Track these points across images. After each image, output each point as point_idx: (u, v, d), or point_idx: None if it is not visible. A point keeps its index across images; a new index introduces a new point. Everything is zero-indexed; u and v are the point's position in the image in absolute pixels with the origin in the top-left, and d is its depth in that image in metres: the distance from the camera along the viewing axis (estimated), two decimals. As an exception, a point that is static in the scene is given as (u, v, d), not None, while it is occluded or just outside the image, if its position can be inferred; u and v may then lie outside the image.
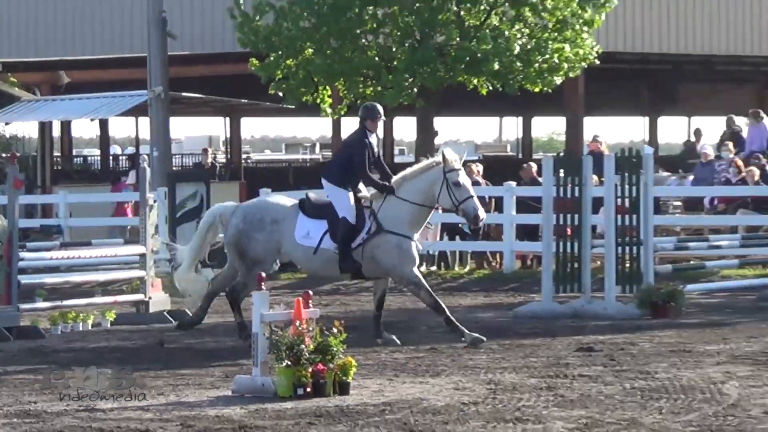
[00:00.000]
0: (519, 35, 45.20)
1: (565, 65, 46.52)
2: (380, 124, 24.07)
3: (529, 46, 45.01)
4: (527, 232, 41.05)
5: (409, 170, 23.25)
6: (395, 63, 46.47)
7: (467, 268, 43.82)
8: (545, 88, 47.38)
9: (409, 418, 17.00)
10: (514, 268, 41.78)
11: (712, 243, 36.96)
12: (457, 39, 45.66)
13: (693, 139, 59.67)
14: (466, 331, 22.55)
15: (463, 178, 22.17)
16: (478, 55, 44.48)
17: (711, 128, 72.96)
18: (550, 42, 45.49)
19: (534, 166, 44.65)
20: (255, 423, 17.02)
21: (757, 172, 41.51)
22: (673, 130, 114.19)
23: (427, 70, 45.48)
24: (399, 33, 47.09)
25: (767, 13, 67.22)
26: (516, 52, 44.60)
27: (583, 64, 48.04)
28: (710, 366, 21.90)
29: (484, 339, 22.66)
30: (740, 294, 34.08)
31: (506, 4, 46.64)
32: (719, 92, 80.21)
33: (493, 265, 43.66)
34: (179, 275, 25.06)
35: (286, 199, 24.47)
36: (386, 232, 22.31)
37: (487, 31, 45.31)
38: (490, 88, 47.12)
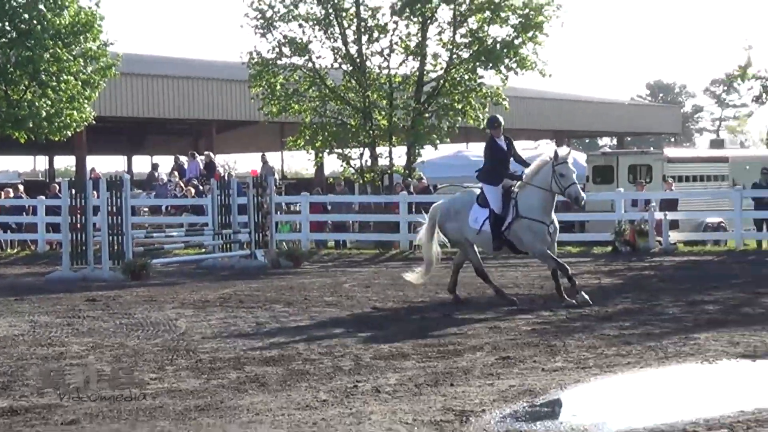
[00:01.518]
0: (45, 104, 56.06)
1: (74, 124, 57.99)
2: (497, 131, 27.70)
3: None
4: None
5: (532, 166, 26.77)
6: None
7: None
8: (62, 138, 59.22)
9: None
10: (46, 248, 49.35)
11: (168, 233, 46.58)
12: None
13: (155, 170, 66.69)
14: (581, 292, 26.36)
15: (567, 170, 25.89)
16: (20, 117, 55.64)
17: (167, 162, 75.28)
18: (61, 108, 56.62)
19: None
20: None
21: (192, 190, 53.78)
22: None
23: None
24: None
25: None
26: (44, 115, 55.74)
27: (85, 123, 59.40)
28: (168, 310, 28.18)
29: (591, 303, 26.21)
30: (185, 265, 42.70)
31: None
32: (172, 140, 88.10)
33: (32, 247, 50.61)
34: (424, 250, 29.65)
35: (471, 193, 28.79)
36: (522, 218, 26.14)
37: (25, 102, 56.45)
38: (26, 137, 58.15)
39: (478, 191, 27.85)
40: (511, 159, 27.35)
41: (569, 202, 28.11)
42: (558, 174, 24.90)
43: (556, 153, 26.28)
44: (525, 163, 27.32)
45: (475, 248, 27.79)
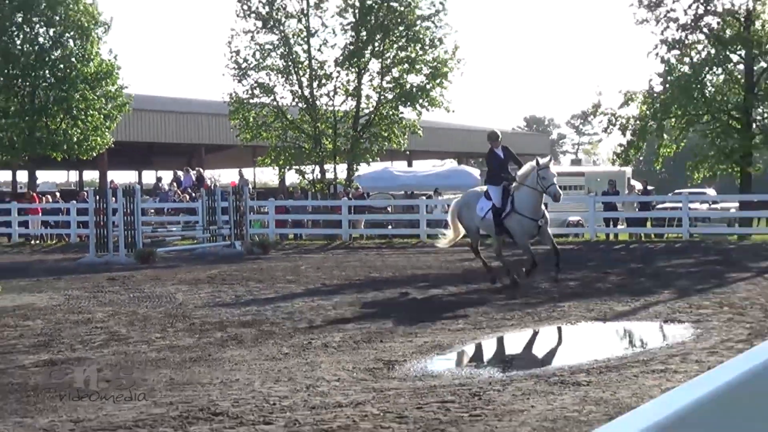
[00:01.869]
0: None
1: (98, 147, 58.42)
2: (495, 143, 26.27)
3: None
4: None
5: (522, 170, 25.63)
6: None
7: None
8: (89, 157, 59.15)
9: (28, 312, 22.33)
10: (76, 240, 48.47)
11: (169, 229, 46.26)
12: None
13: (159, 182, 64.15)
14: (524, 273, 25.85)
15: (547, 174, 24.77)
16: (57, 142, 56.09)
17: (168, 176, 72.32)
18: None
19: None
20: None
21: (187, 197, 52.69)
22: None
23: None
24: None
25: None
26: (75, 141, 55.73)
27: (106, 147, 59.98)
28: (169, 286, 27.86)
29: (557, 280, 25.84)
30: (182, 253, 41.47)
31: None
32: (171, 159, 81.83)
33: (66, 239, 50.04)
34: (451, 228, 28.03)
35: (479, 191, 27.63)
36: (516, 213, 25.15)
37: (61, 131, 57.18)
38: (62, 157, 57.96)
39: (484, 188, 27.35)
40: (510, 162, 26.59)
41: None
42: (541, 177, 24.47)
43: (538, 161, 25.69)
44: (520, 165, 26.64)
45: (479, 233, 27.70)
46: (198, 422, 11.27)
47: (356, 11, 55.71)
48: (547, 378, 13.49)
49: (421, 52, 56.14)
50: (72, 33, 59.55)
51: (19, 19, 58.78)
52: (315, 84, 56.35)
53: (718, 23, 44.83)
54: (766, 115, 45.88)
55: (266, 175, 73.29)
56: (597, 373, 13.75)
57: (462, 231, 28.25)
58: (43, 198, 59.10)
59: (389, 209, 51.17)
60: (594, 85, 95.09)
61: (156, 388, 13.40)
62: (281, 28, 56.02)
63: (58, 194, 65.40)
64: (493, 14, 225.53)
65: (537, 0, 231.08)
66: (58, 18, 59.14)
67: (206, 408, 11.95)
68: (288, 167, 59.28)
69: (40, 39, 59.54)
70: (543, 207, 26.14)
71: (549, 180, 24.58)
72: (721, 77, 45.82)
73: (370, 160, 59.17)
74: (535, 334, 18.75)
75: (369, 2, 55.43)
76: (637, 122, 46.00)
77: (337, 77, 56.70)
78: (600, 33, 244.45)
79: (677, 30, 45.12)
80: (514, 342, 17.94)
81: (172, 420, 11.39)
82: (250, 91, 56.77)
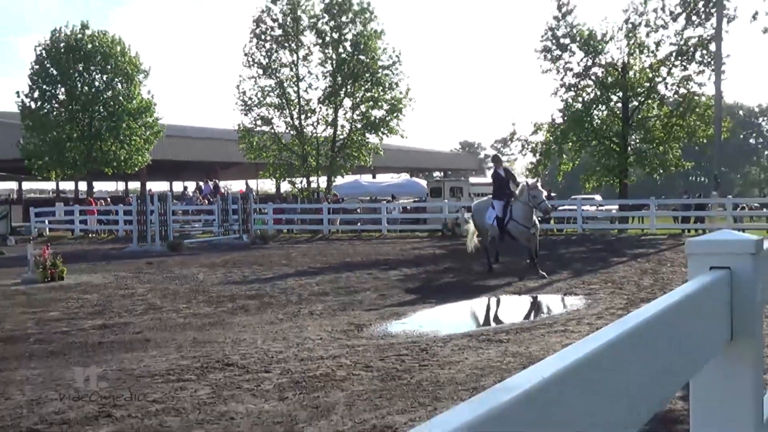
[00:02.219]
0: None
1: (139, 164, 57.65)
2: (496, 164, 25.87)
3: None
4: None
5: (518, 189, 24.07)
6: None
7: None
8: (133, 172, 59.14)
9: (88, 288, 23.93)
10: (123, 234, 47.12)
11: (192, 225, 46.23)
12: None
13: (185, 190, 66.56)
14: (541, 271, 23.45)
15: (537, 193, 23.61)
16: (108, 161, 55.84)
17: (192, 185, 73.70)
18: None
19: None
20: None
21: (206, 201, 51.05)
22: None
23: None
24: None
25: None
26: (122, 159, 55.15)
27: (145, 164, 59.85)
28: (193, 268, 27.57)
29: (546, 276, 23.16)
30: (202, 243, 40.16)
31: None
32: (195, 173, 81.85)
33: (115, 233, 49.36)
34: (468, 237, 26.61)
35: (489, 200, 25.73)
36: (513, 221, 23.91)
37: (111, 152, 57.36)
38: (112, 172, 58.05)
39: (489, 200, 26.09)
40: (510, 181, 25.06)
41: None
42: (532, 195, 23.40)
43: (527, 183, 24.90)
44: (516, 184, 25.07)
45: (489, 234, 25.69)
46: (214, 371, 11.26)
47: (333, 62, 55.53)
48: (477, 337, 13.55)
49: (382, 93, 56.04)
50: (120, 78, 59.69)
51: (81, 68, 58.79)
52: (302, 117, 56.13)
53: (602, 72, 45.31)
54: (637, 140, 46.28)
55: (266, 185, 72.95)
56: (514, 333, 13.83)
57: (475, 234, 26.62)
58: (98, 202, 59.02)
59: (358, 210, 50.99)
60: (511, 118, 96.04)
61: (183, 345, 13.41)
62: (277, 74, 55.90)
63: (109, 199, 65.24)
64: (438, 60, 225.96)
65: (472, 52, 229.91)
66: (109, 67, 59.37)
67: (221, 360, 11.97)
68: (282, 179, 59.27)
69: (96, 83, 59.48)
70: (535, 218, 24.75)
71: (539, 198, 23.63)
72: (605, 112, 46.16)
73: (344, 173, 59.37)
74: (469, 304, 18.75)
75: (343, 55, 55.31)
76: (543, 146, 46.24)
77: (319, 111, 56.54)
78: (517, 76, 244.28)
79: (572, 77, 45.54)
80: (453, 310, 17.78)
81: (195, 369, 11.39)
82: (253, 122, 56.42)
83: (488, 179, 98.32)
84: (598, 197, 55.22)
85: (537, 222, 25.09)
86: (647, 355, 1.90)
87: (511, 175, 25.84)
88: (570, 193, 68.69)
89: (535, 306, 18.37)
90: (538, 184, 24.75)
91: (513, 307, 18.00)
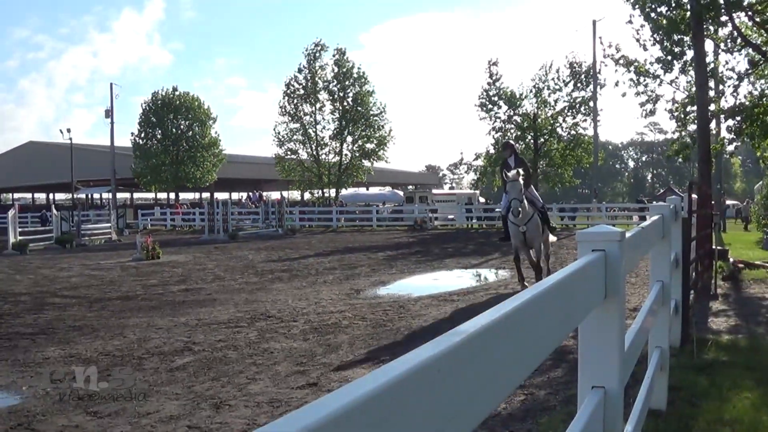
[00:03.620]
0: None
1: (210, 181, 56.51)
2: (506, 152, 15.32)
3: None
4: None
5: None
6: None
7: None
8: (205, 185, 57.84)
9: (182, 267, 24.67)
10: (199, 228, 45.94)
11: (245, 222, 45.45)
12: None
13: (240, 198, 66.17)
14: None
15: (510, 187, 13.72)
16: (189, 178, 55.16)
17: (245, 194, 72.61)
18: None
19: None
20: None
21: (254, 205, 49.93)
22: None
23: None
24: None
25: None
26: (198, 176, 54.19)
27: (213, 181, 59.11)
28: (246, 251, 27.94)
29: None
30: (251, 235, 39.31)
31: None
32: (247, 186, 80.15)
33: (193, 227, 48.38)
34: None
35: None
36: (506, 217, 14.18)
37: (190, 172, 56.68)
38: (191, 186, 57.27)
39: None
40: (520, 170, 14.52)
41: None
42: (507, 191, 13.83)
43: (505, 174, 14.08)
44: (527, 172, 14.99)
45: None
46: (259, 321, 11.25)
47: (340, 111, 55.07)
48: (437, 297, 13.44)
49: (373, 132, 55.52)
50: (197, 123, 59.59)
51: (171, 117, 58.94)
52: (319, 148, 55.57)
53: (520, 119, 45.42)
54: (544, 165, 46.29)
55: (294, 195, 72.77)
56: (463, 295, 13.74)
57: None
58: (182, 206, 58.98)
59: (357, 212, 50.83)
60: (459, 148, 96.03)
61: (238, 303, 13.33)
62: (301, 120, 55.60)
63: (189, 204, 65.22)
64: (412, 106, 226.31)
65: (435, 102, 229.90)
66: (190, 116, 59.32)
67: (264, 313, 11.95)
68: (305, 190, 58.92)
69: (181, 126, 59.57)
70: (532, 213, 14.13)
71: (511, 194, 13.94)
72: (523, 146, 46.11)
73: (347, 187, 58.98)
74: (432, 275, 18.42)
75: (346, 107, 54.94)
76: (482, 168, 46.27)
77: (330, 145, 55.85)
78: (464, 119, 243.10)
79: (500, 122, 45.68)
80: (421, 280, 17.48)
81: (246, 320, 11.37)
82: (285, 153, 55.73)
83: (445, 191, 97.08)
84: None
85: (538, 218, 14.35)
86: (550, 309, 1.94)
87: (521, 163, 14.99)
88: (500, 200, 68.72)
89: (477, 276, 18.13)
90: (519, 177, 13.86)
91: (461, 277, 17.76)
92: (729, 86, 20.29)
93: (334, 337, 9.81)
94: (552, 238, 15.70)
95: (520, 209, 13.64)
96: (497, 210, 44.31)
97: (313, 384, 7.31)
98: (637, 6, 19.33)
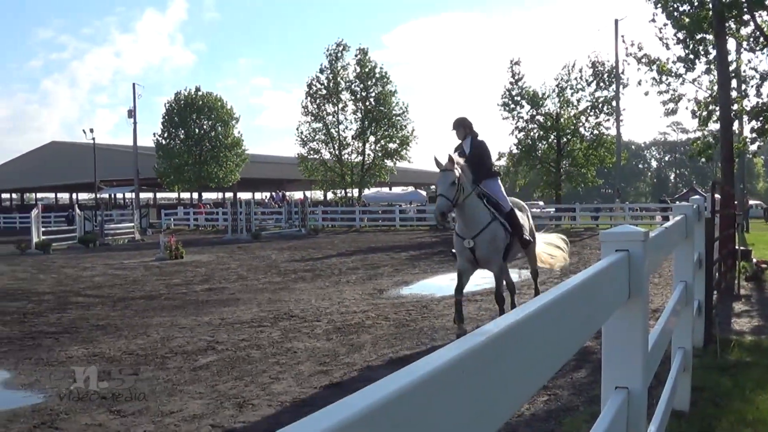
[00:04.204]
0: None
1: (232, 181, 56.66)
2: (458, 133, 10.20)
3: None
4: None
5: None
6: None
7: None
8: (228, 185, 56.79)
9: (207, 266, 24.92)
10: (222, 227, 46.02)
11: (268, 222, 45.00)
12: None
13: (264, 198, 66.25)
14: None
15: (438, 178, 9.25)
16: (212, 178, 54.28)
17: (268, 194, 73.60)
18: None
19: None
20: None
21: (277, 205, 48.81)
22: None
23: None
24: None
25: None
26: (221, 176, 53.98)
27: (236, 181, 58.85)
28: (269, 251, 28.34)
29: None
30: (274, 235, 41.47)
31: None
32: (270, 186, 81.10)
33: (216, 227, 48.41)
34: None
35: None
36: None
37: (213, 173, 55.51)
38: (214, 186, 57.06)
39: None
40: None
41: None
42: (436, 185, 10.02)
43: (437, 160, 9.26)
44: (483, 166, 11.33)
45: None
46: (282, 320, 11.26)
47: (362, 111, 55.30)
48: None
49: (395, 132, 55.71)
50: (219, 123, 59.83)
51: (194, 117, 59.15)
52: (341, 148, 55.87)
53: (543, 119, 45.39)
54: (567, 165, 46.18)
55: (317, 194, 72.98)
56: (486, 295, 13.62)
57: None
58: (205, 206, 59.27)
59: (380, 211, 50.82)
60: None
61: (261, 302, 13.36)
62: (324, 120, 55.82)
63: (212, 204, 65.54)
64: (433, 107, 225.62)
65: (458, 101, 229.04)
66: (213, 116, 59.58)
67: (287, 313, 11.96)
68: (328, 190, 59.19)
69: (204, 126, 59.91)
70: (488, 221, 9.67)
71: (438, 189, 9.29)
72: (545, 146, 46.02)
73: (370, 186, 59.10)
74: (454, 275, 18.19)
75: (369, 107, 55.11)
76: (505, 168, 46.20)
77: (352, 145, 56.16)
78: (487, 119, 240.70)
79: (522, 122, 45.65)
80: (444, 279, 17.24)
81: (269, 319, 11.39)
82: (308, 152, 55.98)
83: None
84: (541, 202, 55.08)
85: (499, 228, 9.85)
86: (574, 310, 1.93)
87: (479, 148, 10.27)
88: (523, 200, 68.36)
89: (498, 276, 18.03)
90: (453, 166, 9.23)
91: (485, 278, 17.47)
92: (752, 86, 20.07)
93: (357, 337, 9.78)
94: (545, 248, 12.65)
95: (439, 217, 9.19)
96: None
97: (337, 384, 7.29)
98: (659, 5, 19.21)
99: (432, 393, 1.07)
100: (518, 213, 10.62)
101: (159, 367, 8.24)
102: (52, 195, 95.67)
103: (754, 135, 19.60)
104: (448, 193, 9.13)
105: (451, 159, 9.38)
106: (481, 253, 9.77)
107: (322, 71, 55.84)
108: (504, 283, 10.47)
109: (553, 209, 46.35)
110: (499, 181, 10.57)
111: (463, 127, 10.45)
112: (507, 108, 45.76)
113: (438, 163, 9.41)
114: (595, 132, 45.29)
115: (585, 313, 2.06)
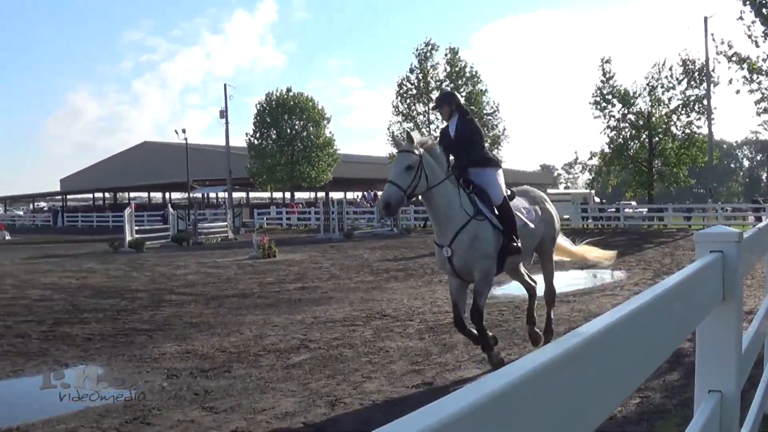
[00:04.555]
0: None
1: (324, 180, 57.56)
2: (442, 112, 8.11)
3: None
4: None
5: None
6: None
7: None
8: (320, 185, 58.96)
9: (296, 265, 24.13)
10: (314, 227, 46.63)
11: (360, 221, 45.79)
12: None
13: (355, 197, 66.07)
14: None
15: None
16: (304, 177, 56.91)
17: (359, 194, 73.26)
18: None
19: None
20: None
21: (368, 205, 49.68)
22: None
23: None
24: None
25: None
26: (313, 176, 55.84)
27: (329, 180, 58.97)
28: (361, 250, 27.33)
29: None
30: (366, 234, 41.54)
31: None
32: (361, 186, 79.56)
33: (308, 226, 49.02)
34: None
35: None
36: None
37: (305, 173, 57.34)
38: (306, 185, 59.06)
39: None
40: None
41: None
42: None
43: (397, 142, 7.61)
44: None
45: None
46: (375, 319, 11.36)
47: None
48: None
49: (486, 132, 55.04)
50: (311, 123, 60.49)
51: (286, 117, 59.92)
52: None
53: (634, 118, 44.52)
54: (659, 164, 45.09)
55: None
56: (579, 296, 13.45)
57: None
58: (297, 206, 60.17)
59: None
60: (574, 147, 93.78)
61: (354, 301, 13.50)
62: (415, 120, 55.63)
63: (304, 204, 66.43)
64: (528, 108, 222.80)
65: (551, 102, 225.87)
66: (304, 116, 60.21)
67: (379, 312, 12.06)
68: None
69: (296, 126, 60.41)
70: (466, 220, 7.35)
71: (391, 173, 7.12)
72: (637, 145, 45.07)
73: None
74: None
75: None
76: (597, 167, 45.74)
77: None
78: (578, 119, 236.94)
79: (614, 121, 44.86)
80: (537, 279, 17.23)
81: (362, 318, 11.51)
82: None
83: (560, 190, 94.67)
84: (633, 203, 53.81)
85: (481, 229, 7.49)
86: (668, 312, 1.93)
87: (467, 126, 8.05)
88: (615, 200, 66.88)
89: (593, 277, 17.72)
90: (415, 148, 7.14)
91: (577, 278, 17.24)
92: None
93: (449, 336, 9.75)
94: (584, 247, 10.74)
95: (383, 210, 7.10)
96: (610, 210, 43.66)
97: (429, 383, 7.28)
98: (747, 2, 18.62)
99: (528, 395, 1.06)
100: (523, 208, 8.22)
101: (252, 365, 8.35)
102: (144, 194, 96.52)
103: None
104: (399, 180, 6.99)
105: (410, 137, 7.27)
106: (459, 262, 7.42)
107: (412, 71, 55.60)
108: (480, 299, 7.59)
109: (645, 209, 45.36)
110: (500, 172, 8.00)
111: (447, 104, 8.08)
112: (598, 106, 44.99)
113: (396, 143, 7.55)
114: (687, 131, 44.25)
115: (679, 315, 2.07)
